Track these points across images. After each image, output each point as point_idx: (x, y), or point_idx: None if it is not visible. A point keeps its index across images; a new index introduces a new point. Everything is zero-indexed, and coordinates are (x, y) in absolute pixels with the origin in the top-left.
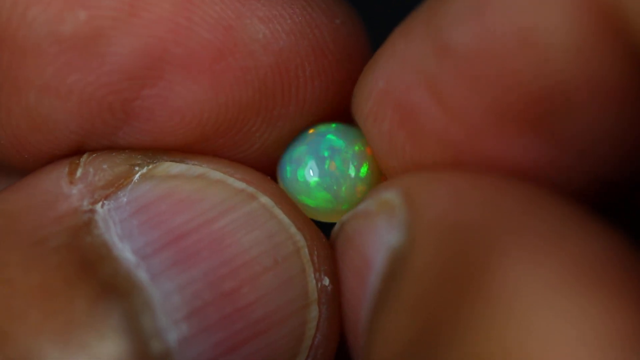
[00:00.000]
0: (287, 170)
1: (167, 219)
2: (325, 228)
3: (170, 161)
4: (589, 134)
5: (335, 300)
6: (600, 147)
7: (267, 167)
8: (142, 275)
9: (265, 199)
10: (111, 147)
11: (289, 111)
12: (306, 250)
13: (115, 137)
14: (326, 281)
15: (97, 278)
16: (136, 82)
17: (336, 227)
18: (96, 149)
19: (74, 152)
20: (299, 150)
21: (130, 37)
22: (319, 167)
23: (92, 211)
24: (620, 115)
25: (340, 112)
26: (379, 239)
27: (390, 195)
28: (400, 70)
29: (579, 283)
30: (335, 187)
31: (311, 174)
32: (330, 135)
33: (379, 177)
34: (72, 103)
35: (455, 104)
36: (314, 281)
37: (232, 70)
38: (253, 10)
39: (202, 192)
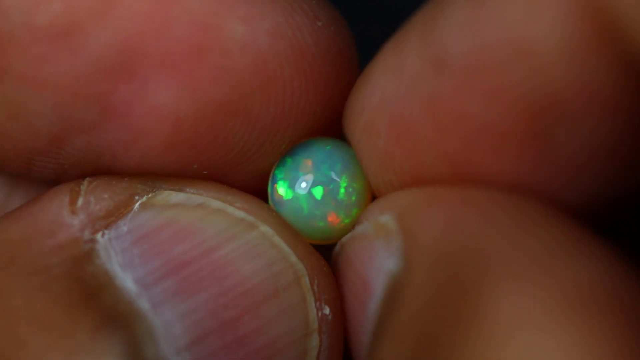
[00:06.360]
0: (271, 194)
1: (168, 248)
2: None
3: (170, 190)
4: (585, 147)
5: (336, 329)
6: (597, 161)
7: (257, 185)
8: (143, 304)
9: (265, 228)
10: (91, 144)
11: (268, 112)
12: (307, 279)
13: (94, 132)
14: (327, 310)
15: (99, 307)
16: (112, 76)
17: (337, 248)
18: (78, 145)
19: (55, 145)
20: (281, 182)
21: (106, 30)
22: (298, 194)
23: (93, 241)
24: (615, 126)
25: (324, 121)
26: (377, 264)
27: (386, 219)
28: (394, 86)
29: (567, 318)
30: (317, 213)
31: (293, 202)
32: (309, 165)
33: (366, 194)
34: (48, 94)
35: (451, 119)
36: (315, 310)
37: (208, 68)
38: (232, 9)
39: (202, 222)
